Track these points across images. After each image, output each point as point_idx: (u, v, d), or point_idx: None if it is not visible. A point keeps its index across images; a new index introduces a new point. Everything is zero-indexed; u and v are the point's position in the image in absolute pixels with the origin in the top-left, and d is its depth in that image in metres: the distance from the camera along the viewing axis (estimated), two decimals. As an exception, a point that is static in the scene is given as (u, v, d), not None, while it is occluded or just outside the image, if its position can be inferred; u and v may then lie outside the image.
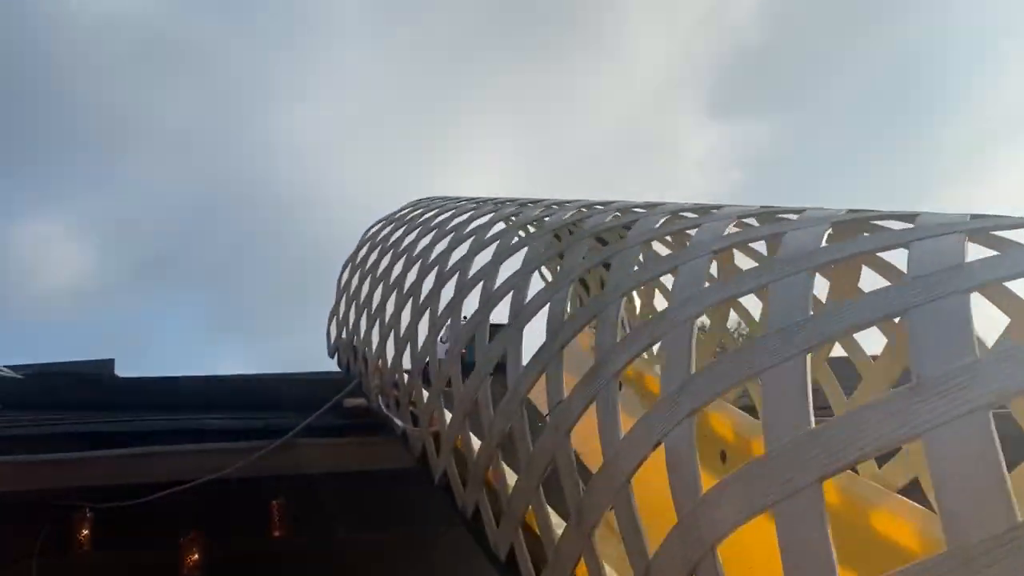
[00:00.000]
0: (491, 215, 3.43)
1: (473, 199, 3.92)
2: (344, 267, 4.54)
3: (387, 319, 3.44)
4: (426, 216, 3.90)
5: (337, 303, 4.50)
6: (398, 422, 2.96)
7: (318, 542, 4.45)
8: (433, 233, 3.42)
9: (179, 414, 4.44)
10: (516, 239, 2.93)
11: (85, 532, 3.90)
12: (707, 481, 1.30)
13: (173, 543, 4.14)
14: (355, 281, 4.23)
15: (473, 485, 2.28)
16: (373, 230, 4.44)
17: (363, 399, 4.37)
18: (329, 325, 4.64)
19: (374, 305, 3.73)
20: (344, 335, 4.33)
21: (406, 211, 4.34)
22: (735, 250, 2.28)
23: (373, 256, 4.05)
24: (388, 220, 4.42)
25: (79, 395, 4.87)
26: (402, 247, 3.70)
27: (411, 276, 3.33)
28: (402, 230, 3.90)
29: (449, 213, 3.81)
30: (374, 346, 3.62)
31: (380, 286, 3.65)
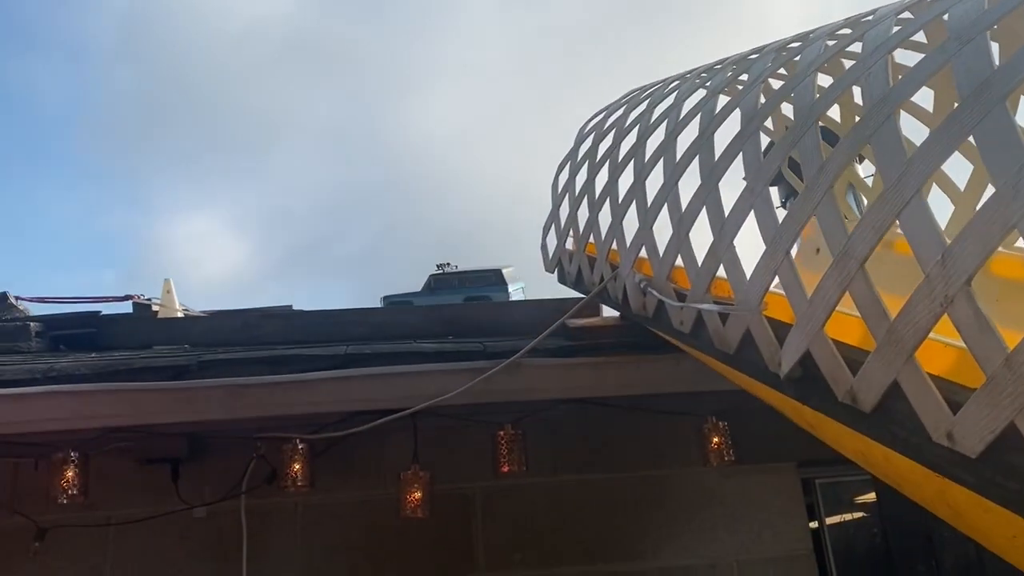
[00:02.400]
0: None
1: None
2: (560, 169, 3.95)
3: (650, 201, 2.81)
4: (668, 86, 3.24)
5: (556, 211, 3.91)
6: (707, 306, 2.31)
7: (547, 478, 3.91)
8: (708, 85, 2.75)
9: (383, 344, 3.96)
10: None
11: (296, 467, 3.47)
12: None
13: (392, 478, 3.68)
14: (581, 178, 3.62)
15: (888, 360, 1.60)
16: (594, 122, 3.82)
17: (592, 319, 3.79)
18: (545, 238, 4.07)
19: (621, 193, 3.10)
20: (570, 243, 3.75)
21: (630, 95, 3.70)
22: None
23: (607, 142, 3.43)
24: (608, 110, 3.79)
25: (270, 330, 4.50)
26: (653, 118, 3.05)
27: (687, 136, 2.68)
28: (646, 103, 3.25)
29: (681, 79, 3.16)
30: (628, 238, 2.99)
31: (631, 163, 3.02)
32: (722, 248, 2.25)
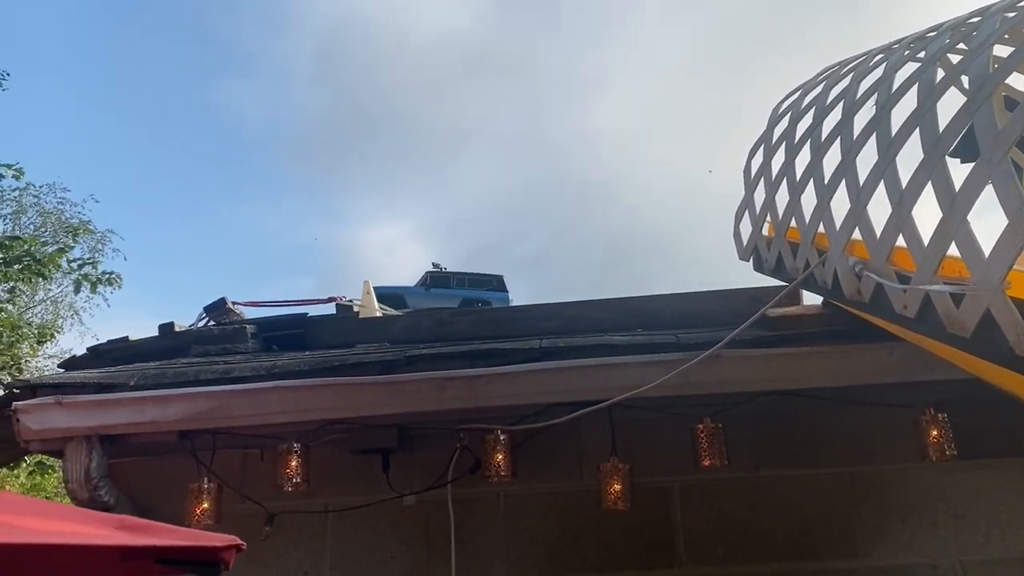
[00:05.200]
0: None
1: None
2: (752, 154, 3.83)
3: (862, 179, 2.67)
4: (872, 60, 3.06)
5: (750, 196, 3.80)
6: (938, 288, 2.16)
7: (749, 473, 3.80)
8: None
9: (575, 338, 3.99)
10: None
11: (499, 457, 3.57)
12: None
13: (588, 470, 3.72)
14: (777, 161, 3.50)
15: None
16: (789, 102, 3.67)
17: (792, 307, 3.66)
18: (738, 225, 3.96)
19: (827, 173, 2.97)
20: (766, 229, 3.63)
21: (827, 72, 3.53)
22: None
23: (806, 121, 3.29)
24: (804, 89, 3.63)
25: (462, 326, 4.64)
26: (859, 93, 2.89)
27: (899, 110, 2.53)
28: (848, 78, 3.09)
29: (887, 51, 2.96)
30: (838, 221, 2.85)
31: (837, 141, 2.88)
32: (954, 225, 2.10)
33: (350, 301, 5.46)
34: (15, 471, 14.62)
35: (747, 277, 4.09)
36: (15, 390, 3.68)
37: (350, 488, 3.93)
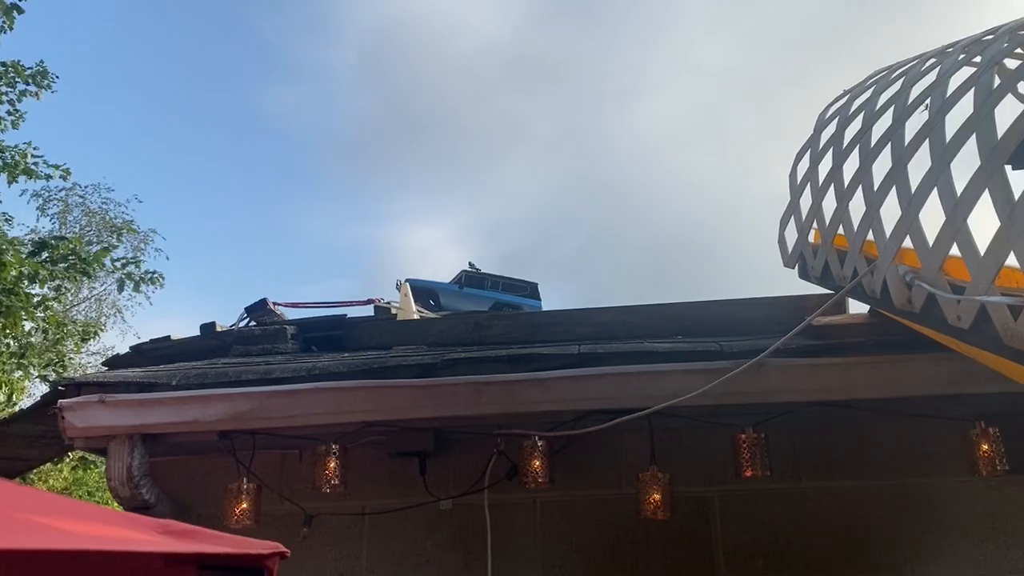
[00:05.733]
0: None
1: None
2: (798, 159, 3.76)
3: (914, 187, 2.60)
4: (924, 64, 2.99)
5: (795, 202, 3.73)
6: (995, 299, 2.10)
7: (790, 485, 3.73)
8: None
9: (614, 344, 3.95)
10: None
11: (536, 463, 3.54)
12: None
13: (626, 478, 3.68)
14: (824, 166, 3.43)
15: None
16: (836, 106, 3.60)
17: (838, 316, 3.58)
18: (783, 231, 3.89)
19: (876, 179, 2.90)
20: (812, 236, 3.56)
21: (876, 76, 3.45)
22: None
23: (854, 126, 3.23)
24: (852, 94, 3.56)
25: (499, 330, 4.61)
26: (910, 99, 2.82)
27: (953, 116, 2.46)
28: (899, 83, 3.02)
29: (940, 55, 2.88)
30: (888, 228, 2.78)
31: (888, 147, 2.81)
32: (1012, 235, 2.03)
33: (388, 303, 5.48)
34: (58, 465, 14.94)
35: (790, 283, 4.03)
36: (61, 388, 3.73)
37: (387, 491, 3.93)
